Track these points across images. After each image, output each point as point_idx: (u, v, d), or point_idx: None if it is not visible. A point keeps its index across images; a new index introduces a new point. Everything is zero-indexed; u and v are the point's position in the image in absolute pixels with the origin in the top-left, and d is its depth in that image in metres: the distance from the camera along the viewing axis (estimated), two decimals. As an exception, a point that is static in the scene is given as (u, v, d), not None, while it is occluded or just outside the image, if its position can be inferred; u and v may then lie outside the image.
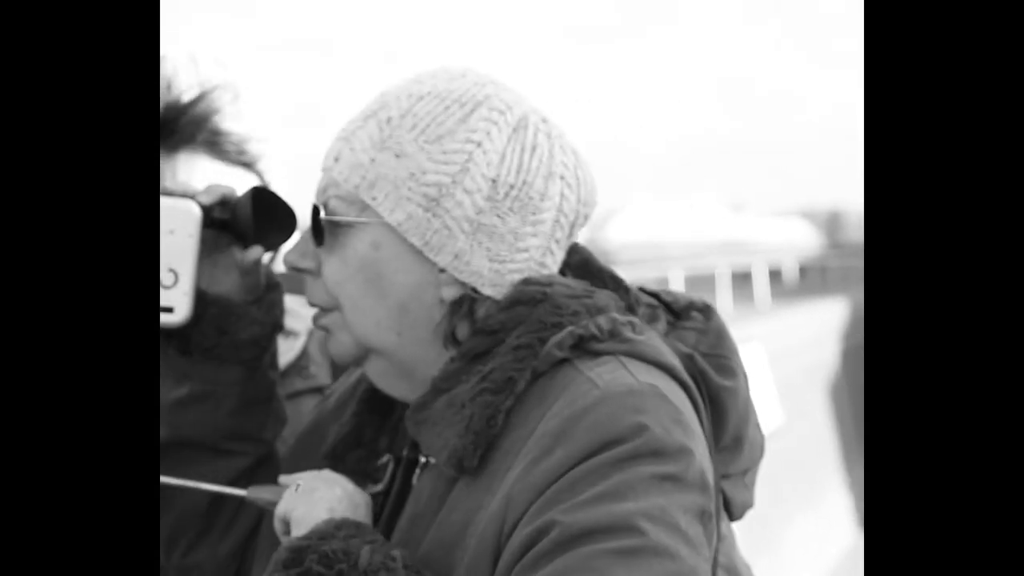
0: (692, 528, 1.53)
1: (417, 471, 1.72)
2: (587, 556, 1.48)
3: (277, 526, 1.67)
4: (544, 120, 1.70)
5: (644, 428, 1.54)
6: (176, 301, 1.75)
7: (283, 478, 1.71)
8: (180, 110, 2.07)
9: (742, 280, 21.26)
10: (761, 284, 20.36)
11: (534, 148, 1.67)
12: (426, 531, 1.63)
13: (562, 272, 1.72)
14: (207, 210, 1.77)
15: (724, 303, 16.90)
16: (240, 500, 1.81)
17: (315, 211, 1.71)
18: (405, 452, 1.74)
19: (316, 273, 1.71)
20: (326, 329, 1.72)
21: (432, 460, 1.67)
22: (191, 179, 2.03)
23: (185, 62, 2.09)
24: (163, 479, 1.76)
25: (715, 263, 19.69)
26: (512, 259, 1.66)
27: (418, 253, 1.66)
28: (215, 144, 2.09)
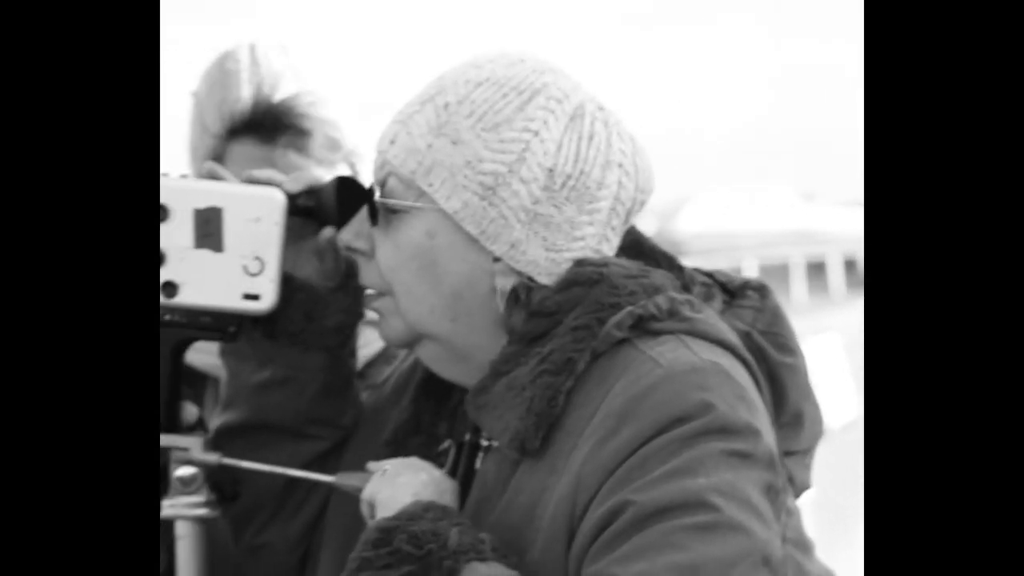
0: (762, 503, 1.55)
1: (480, 455, 1.72)
2: (664, 532, 1.49)
3: (364, 509, 1.68)
4: (601, 108, 1.70)
5: (711, 406, 1.55)
6: (262, 288, 1.75)
7: (371, 464, 1.71)
8: (275, 100, 2.07)
9: (816, 270, 21.07)
10: (836, 274, 20.19)
11: (591, 137, 1.67)
12: (492, 515, 1.63)
13: (616, 254, 1.72)
14: (292, 198, 1.77)
15: (798, 293, 16.78)
16: (313, 482, 1.83)
17: (370, 192, 1.71)
18: (467, 437, 1.75)
19: (370, 255, 1.72)
20: (378, 312, 1.73)
21: (495, 444, 1.67)
22: (285, 169, 2.05)
23: (273, 52, 2.10)
24: (254, 465, 1.78)
25: (788, 253, 19.53)
26: (568, 248, 1.66)
27: (473, 242, 1.66)
28: (305, 135, 2.10)
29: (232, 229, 1.74)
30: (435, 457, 1.75)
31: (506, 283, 1.67)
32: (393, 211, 1.68)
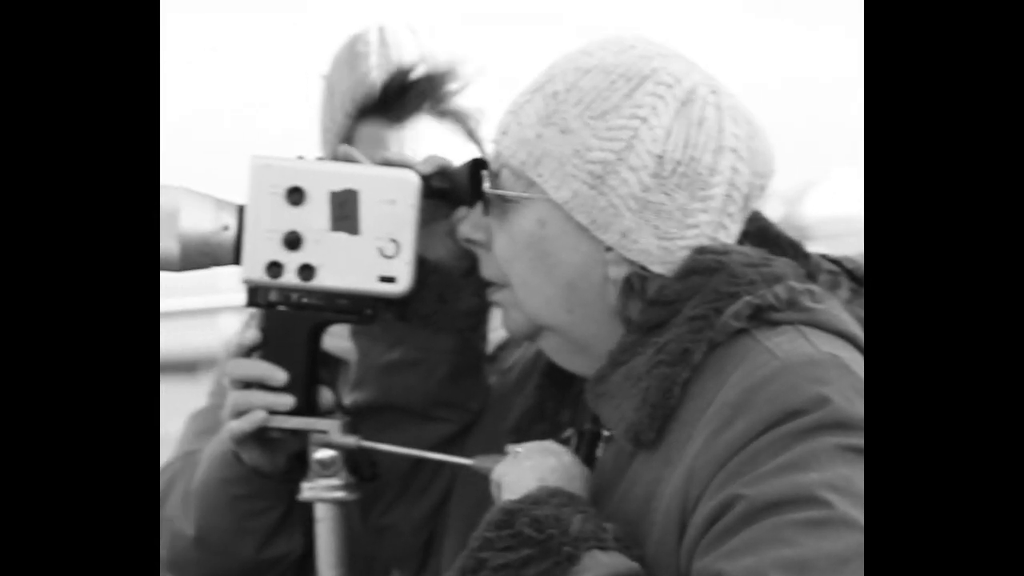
0: None
1: (600, 444, 1.71)
2: (774, 528, 1.47)
3: (494, 491, 1.68)
4: (714, 91, 1.66)
5: (826, 399, 1.53)
6: (398, 271, 1.75)
7: (509, 447, 1.71)
8: (405, 82, 2.08)
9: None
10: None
11: (701, 122, 1.64)
12: (609, 505, 1.63)
13: (740, 241, 1.69)
14: (426, 179, 1.76)
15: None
16: (438, 465, 1.83)
17: (479, 183, 1.72)
18: (587, 425, 1.74)
19: (488, 246, 1.72)
20: (499, 304, 1.73)
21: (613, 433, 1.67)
22: (415, 150, 2.04)
23: (402, 32, 2.10)
24: (393, 448, 1.79)
25: (918, 237, 19.23)
26: (681, 236, 1.64)
27: (585, 231, 1.65)
28: (441, 115, 2.09)
29: (368, 211, 1.74)
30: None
31: (619, 272, 1.65)
32: (506, 201, 1.68)
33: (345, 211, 1.74)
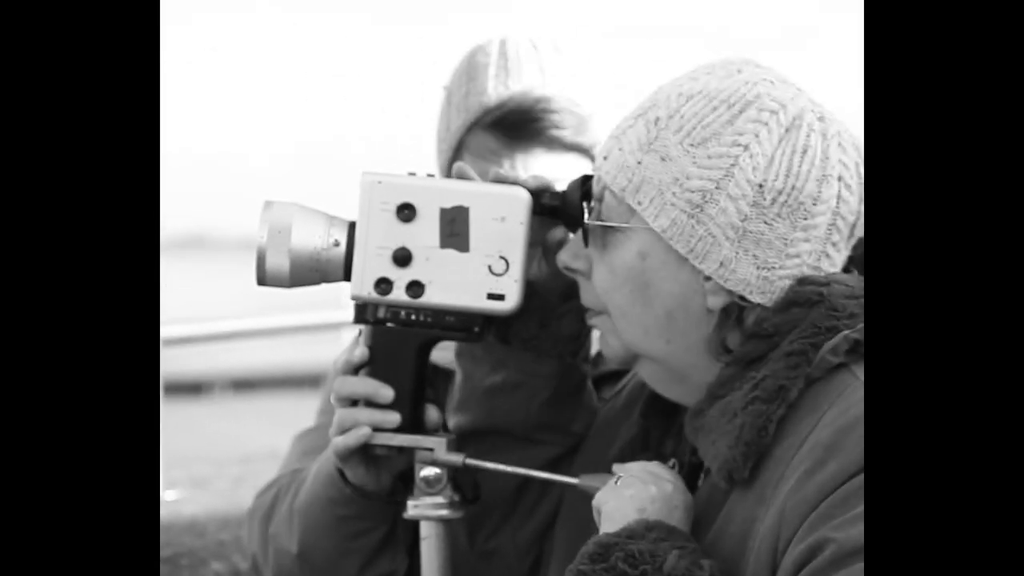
0: None
1: (701, 476, 1.69)
2: (862, 573, 1.43)
3: (596, 517, 1.66)
4: (821, 118, 1.63)
5: None
6: (507, 288, 1.74)
7: (616, 467, 1.69)
8: (522, 110, 2.07)
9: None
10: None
11: (805, 150, 1.61)
12: (704, 541, 1.60)
13: (847, 268, 1.66)
14: (536, 196, 1.75)
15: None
16: (544, 488, 1.82)
17: (584, 212, 1.69)
18: (688, 456, 1.71)
19: (588, 275, 1.69)
20: (598, 330, 1.71)
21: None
22: (526, 167, 2.04)
23: (526, 47, 2.09)
24: (499, 466, 1.77)
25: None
26: (782, 265, 1.61)
27: (684, 260, 1.62)
28: (554, 138, 2.08)
29: (478, 228, 1.73)
30: None
31: (717, 303, 1.63)
32: (607, 231, 1.66)
33: (455, 228, 1.73)
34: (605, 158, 1.66)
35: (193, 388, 14.66)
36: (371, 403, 1.75)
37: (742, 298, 1.62)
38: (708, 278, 1.62)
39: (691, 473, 1.70)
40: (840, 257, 1.65)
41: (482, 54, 2.14)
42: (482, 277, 1.73)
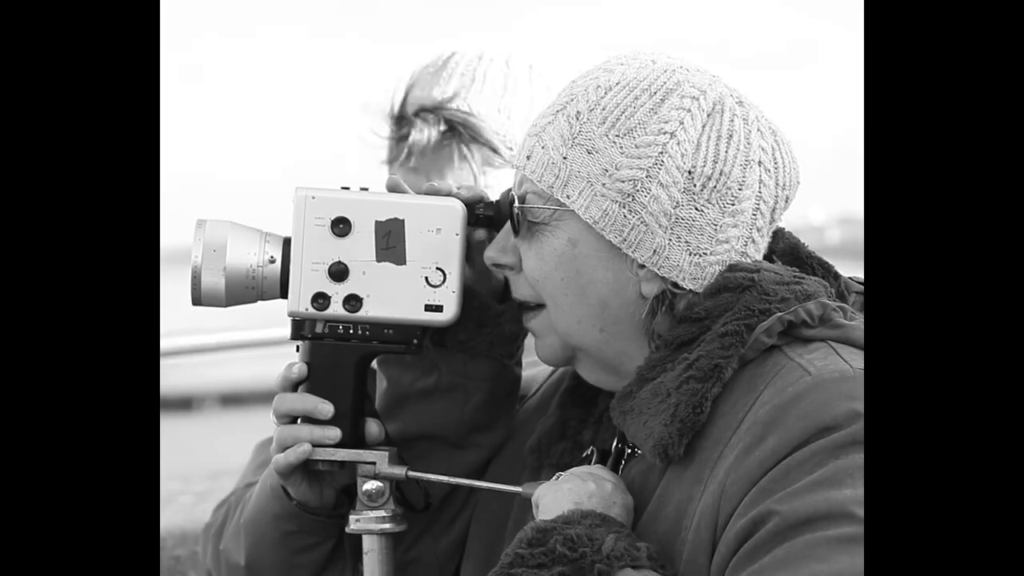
0: None
1: (623, 463, 1.71)
2: (807, 545, 1.47)
3: (534, 509, 1.68)
4: (740, 103, 1.66)
5: (859, 415, 1.52)
6: (445, 299, 1.74)
7: (560, 474, 1.70)
8: (461, 118, 2.08)
9: None
10: None
11: (731, 135, 1.64)
12: (638, 524, 1.63)
13: (768, 258, 1.69)
14: (470, 207, 1.75)
15: None
16: (468, 495, 1.84)
17: (510, 205, 1.70)
18: (614, 444, 1.73)
19: (517, 268, 1.71)
20: (534, 333, 1.73)
21: (639, 451, 1.66)
22: (473, 180, 2.07)
23: (500, 66, 2.12)
24: (441, 478, 1.79)
25: None
26: (713, 251, 1.64)
27: (616, 250, 1.64)
28: (495, 149, 2.10)
29: (413, 240, 1.73)
30: (577, 464, 1.74)
31: (651, 289, 1.65)
32: (536, 223, 1.67)
33: (391, 241, 1.73)
34: (528, 157, 1.67)
35: (183, 403, 14.64)
36: (311, 419, 1.75)
37: (675, 285, 1.64)
38: (642, 266, 1.63)
39: (615, 461, 1.72)
40: (763, 243, 1.67)
41: (431, 63, 2.15)
42: (419, 289, 1.73)
